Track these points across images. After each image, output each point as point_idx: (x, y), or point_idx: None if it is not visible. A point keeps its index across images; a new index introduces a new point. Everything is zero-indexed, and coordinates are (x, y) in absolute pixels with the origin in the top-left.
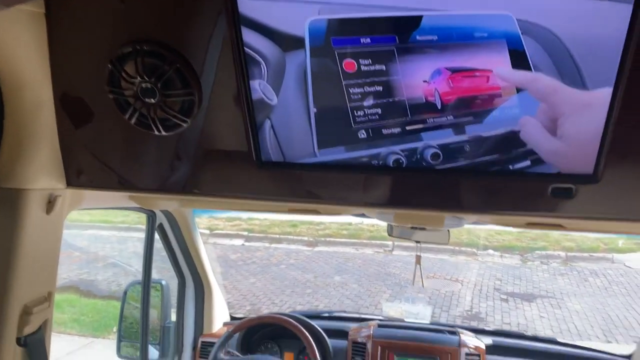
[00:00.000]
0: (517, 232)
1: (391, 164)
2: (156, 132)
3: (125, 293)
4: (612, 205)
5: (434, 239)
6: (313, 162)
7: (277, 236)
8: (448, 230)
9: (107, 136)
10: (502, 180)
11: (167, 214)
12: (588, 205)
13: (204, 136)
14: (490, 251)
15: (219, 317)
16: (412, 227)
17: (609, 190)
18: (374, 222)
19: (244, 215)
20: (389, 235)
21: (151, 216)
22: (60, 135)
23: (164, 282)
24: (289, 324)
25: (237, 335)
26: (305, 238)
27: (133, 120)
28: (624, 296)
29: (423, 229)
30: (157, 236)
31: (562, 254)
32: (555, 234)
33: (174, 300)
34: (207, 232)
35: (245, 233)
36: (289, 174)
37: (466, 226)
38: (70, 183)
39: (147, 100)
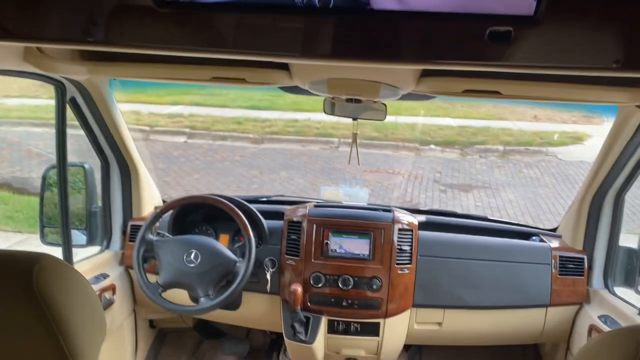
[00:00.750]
0: (459, 126)
1: (317, 3)
2: None
3: (44, 178)
4: (551, 50)
5: (371, 115)
6: (224, 0)
7: (221, 133)
8: (385, 106)
9: None
10: (437, 23)
11: (80, 87)
12: (527, 51)
13: None
14: (432, 146)
15: (150, 201)
16: (347, 100)
17: (549, 34)
18: (321, 119)
19: (186, 111)
20: (326, 112)
21: (60, 88)
22: None
23: (87, 166)
24: (220, 203)
25: (168, 217)
26: (251, 135)
27: None
28: (554, 186)
29: (359, 101)
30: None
31: (500, 147)
32: (495, 128)
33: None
34: (147, 128)
35: (188, 130)
36: (197, 16)
37: (409, 121)
38: None
39: None
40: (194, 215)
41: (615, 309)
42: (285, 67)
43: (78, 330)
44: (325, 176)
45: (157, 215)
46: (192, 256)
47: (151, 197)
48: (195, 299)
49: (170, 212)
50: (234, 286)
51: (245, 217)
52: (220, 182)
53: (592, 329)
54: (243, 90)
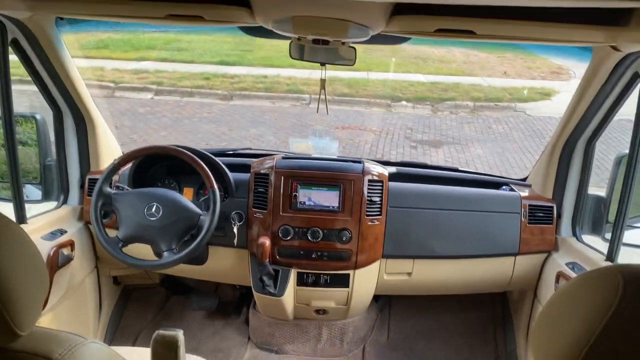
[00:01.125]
0: (430, 83)
1: None
2: None
3: None
4: None
5: (340, 59)
6: None
7: (189, 89)
8: (354, 50)
9: None
10: None
11: (22, 27)
12: None
13: None
14: (404, 102)
15: (109, 154)
16: (314, 42)
17: None
18: (291, 75)
19: (152, 67)
20: (292, 57)
21: None
22: None
23: (38, 116)
24: (182, 154)
25: (128, 170)
26: (220, 92)
27: None
28: (522, 141)
29: (327, 42)
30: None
31: (470, 103)
32: (465, 84)
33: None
34: (112, 85)
35: (154, 86)
36: None
37: (381, 78)
38: None
39: None
40: (157, 168)
41: (582, 256)
42: (247, 3)
43: (13, 283)
44: (296, 133)
45: (115, 166)
46: (154, 209)
47: (110, 150)
48: (158, 254)
49: (131, 165)
50: (198, 240)
51: (210, 169)
52: (188, 139)
53: (559, 276)
54: (211, 45)
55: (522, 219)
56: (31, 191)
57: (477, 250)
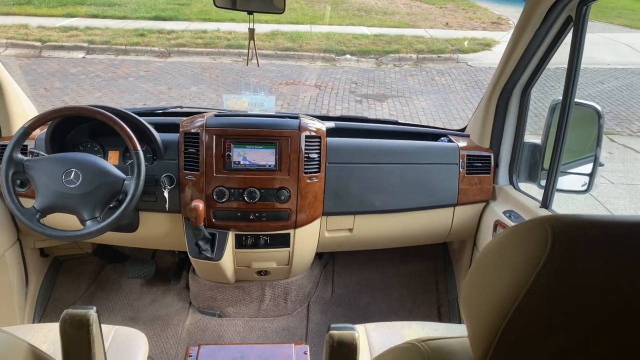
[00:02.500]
0: (374, 35)
1: None
2: None
3: None
4: None
5: (268, 7)
6: None
7: (123, 47)
8: None
9: None
10: None
11: None
12: None
13: None
14: (348, 56)
15: (22, 118)
16: None
17: None
18: (231, 29)
19: (81, 24)
20: (218, 6)
21: None
22: None
23: None
24: (99, 114)
25: (44, 135)
26: (156, 49)
27: None
28: (464, 92)
29: None
30: None
31: (414, 56)
32: (409, 36)
33: None
34: (38, 44)
35: (86, 45)
36: None
37: (324, 31)
38: None
39: None
40: (77, 131)
41: (519, 203)
42: None
43: None
44: (238, 90)
45: (25, 130)
46: (72, 176)
47: (24, 114)
48: (83, 223)
49: (47, 129)
50: (123, 206)
51: (134, 130)
52: (125, 100)
53: (497, 224)
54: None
55: (460, 170)
56: None
57: (416, 203)
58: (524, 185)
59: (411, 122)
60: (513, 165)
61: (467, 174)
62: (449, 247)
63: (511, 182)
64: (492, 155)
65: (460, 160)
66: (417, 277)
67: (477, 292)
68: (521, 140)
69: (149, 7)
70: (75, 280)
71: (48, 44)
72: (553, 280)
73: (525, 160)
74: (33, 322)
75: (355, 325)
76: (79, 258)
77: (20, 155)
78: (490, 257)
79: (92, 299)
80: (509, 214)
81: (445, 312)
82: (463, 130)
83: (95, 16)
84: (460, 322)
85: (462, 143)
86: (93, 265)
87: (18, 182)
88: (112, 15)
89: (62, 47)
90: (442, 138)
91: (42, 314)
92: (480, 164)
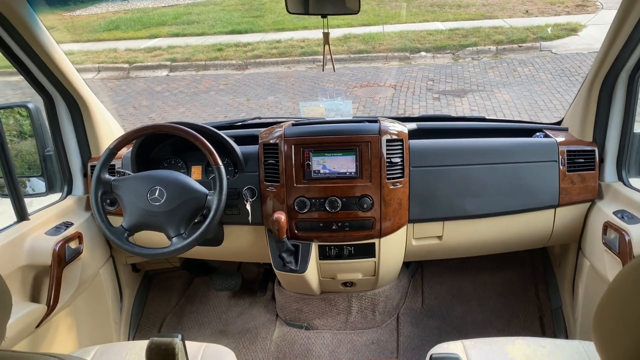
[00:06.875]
0: (448, 30)
1: None
2: None
3: None
4: None
5: (342, 9)
6: None
7: (203, 63)
8: None
9: None
10: None
11: None
12: None
13: None
14: (423, 53)
15: (110, 138)
16: None
17: None
18: (304, 37)
19: (164, 44)
20: (290, 12)
21: None
22: None
23: (31, 105)
24: (179, 130)
25: (130, 154)
26: (234, 62)
27: None
28: (550, 82)
29: None
30: None
31: (493, 47)
32: (486, 28)
33: None
34: (126, 65)
35: (168, 63)
36: None
37: (397, 30)
38: None
39: None
40: (161, 148)
41: (631, 202)
42: None
43: None
44: (314, 96)
45: (111, 151)
46: (157, 193)
47: (111, 133)
48: (170, 240)
49: (131, 148)
50: (207, 222)
51: (214, 144)
52: (207, 113)
53: (607, 226)
54: (221, 15)
55: (561, 167)
56: (37, 184)
57: (512, 205)
58: (635, 181)
59: (500, 118)
60: (622, 159)
61: (569, 171)
62: (549, 252)
63: (620, 178)
64: (596, 149)
65: (560, 157)
66: (514, 285)
67: (617, 319)
68: (630, 130)
69: (225, 22)
70: (165, 293)
71: (135, 64)
72: None
73: (636, 153)
74: (129, 336)
75: (452, 343)
76: (168, 272)
77: (107, 176)
78: (630, 281)
79: (182, 312)
80: (621, 214)
81: (548, 323)
82: (559, 123)
83: (176, 35)
84: (566, 334)
85: (561, 138)
86: (182, 279)
87: (108, 201)
88: (192, 33)
89: (147, 67)
90: (537, 133)
91: (137, 328)
92: (583, 160)
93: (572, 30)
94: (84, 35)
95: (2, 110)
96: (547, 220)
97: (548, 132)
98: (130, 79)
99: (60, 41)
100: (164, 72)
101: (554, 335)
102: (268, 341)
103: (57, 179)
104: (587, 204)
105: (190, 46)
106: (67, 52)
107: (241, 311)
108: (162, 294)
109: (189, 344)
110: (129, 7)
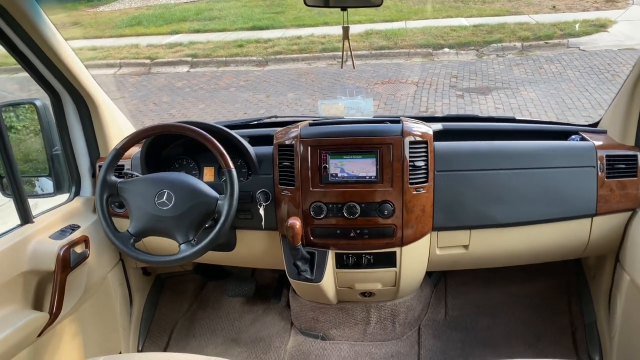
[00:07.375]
0: (472, 26)
1: None
2: None
3: None
4: None
5: (364, 1)
6: None
7: (224, 59)
8: None
9: None
10: None
11: None
12: None
13: None
14: (446, 49)
15: (120, 137)
16: None
17: None
18: (325, 33)
19: (185, 40)
20: (309, 5)
21: None
22: None
23: (38, 102)
24: (188, 130)
25: (138, 156)
26: (254, 58)
27: None
28: (578, 79)
29: None
30: None
31: (518, 44)
32: (511, 24)
33: None
34: (148, 61)
35: (189, 59)
36: None
37: (420, 26)
38: None
39: None
40: (172, 148)
41: None
42: None
43: None
44: (334, 94)
45: (117, 152)
46: (165, 197)
47: (121, 132)
48: (179, 245)
49: (141, 148)
50: (217, 228)
51: (227, 145)
52: (227, 110)
53: None
54: (242, 11)
55: (599, 173)
56: (46, 184)
57: (545, 214)
58: None
59: (530, 119)
60: None
61: (608, 177)
62: (584, 263)
63: None
64: (638, 154)
65: (598, 162)
66: (545, 297)
67: None
68: None
69: (246, 17)
70: (177, 298)
71: (156, 60)
72: None
73: None
74: (138, 343)
75: None
76: (180, 275)
77: (114, 178)
78: None
79: (193, 318)
80: None
81: (581, 338)
82: (596, 125)
83: (198, 31)
84: (601, 353)
85: (599, 141)
86: (194, 283)
87: (116, 203)
88: (213, 29)
89: (168, 63)
90: (573, 136)
91: (146, 335)
92: (623, 166)
93: (602, 26)
94: (107, 31)
95: (7, 107)
96: (583, 230)
97: (585, 135)
98: (151, 74)
99: (84, 37)
100: (185, 68)
101: (587, 352)
102: (282, 351)
103: (65, 179)
104: (628, 214)
105: (211, 42)
106: (89, 47)
107: (254, 318)
108: (174, 298)
109: (196, 357)
110: (152, 3)
